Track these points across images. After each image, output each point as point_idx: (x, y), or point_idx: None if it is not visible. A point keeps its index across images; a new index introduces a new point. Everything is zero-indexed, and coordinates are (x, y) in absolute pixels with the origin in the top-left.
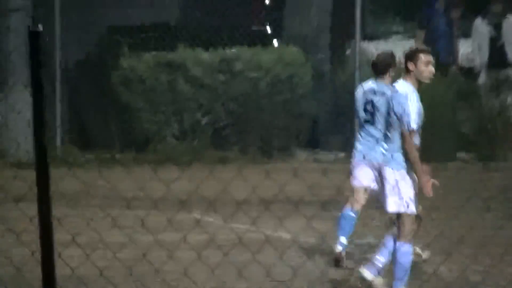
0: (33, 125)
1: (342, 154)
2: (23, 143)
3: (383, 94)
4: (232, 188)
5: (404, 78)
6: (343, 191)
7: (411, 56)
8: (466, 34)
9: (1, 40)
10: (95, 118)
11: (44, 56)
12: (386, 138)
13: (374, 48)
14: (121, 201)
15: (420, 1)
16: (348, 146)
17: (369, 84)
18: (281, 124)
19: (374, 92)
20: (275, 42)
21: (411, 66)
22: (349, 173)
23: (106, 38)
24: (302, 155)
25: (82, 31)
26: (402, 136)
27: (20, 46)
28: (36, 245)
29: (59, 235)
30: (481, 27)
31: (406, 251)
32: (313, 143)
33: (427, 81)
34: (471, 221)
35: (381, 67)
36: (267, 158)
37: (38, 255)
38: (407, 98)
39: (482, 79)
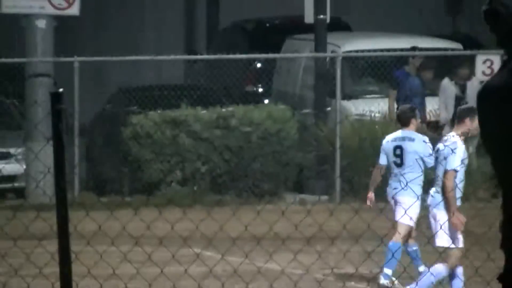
0: (54, 172)
1: (325, 197)
2: (46, 188)
3: (410, 139)
4: (228, 227)
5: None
6: (324, 229)
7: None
8: (434, 93)
9: (28, 96)
10: (109, 167)
11: (64, 113)
12: (434, 181)
13: (352, 106)
14: (131, 239)
15: (392, 65)
16: (330, 189)
17: (398, 132)
18: (271, 171)
19: (402, 138)
20: (265, 101)
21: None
22: (387, 211)
23: (118, 97)
24: (289, 197)
25: (97, 91)
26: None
27: (43, 103)
28: (56, 277)
29: (76, 268)
30: (448, 87)
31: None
32: (299, 187)
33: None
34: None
35: (403, 119)
36: (259, 201)
37: (57, 286)
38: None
39: (446, 132)
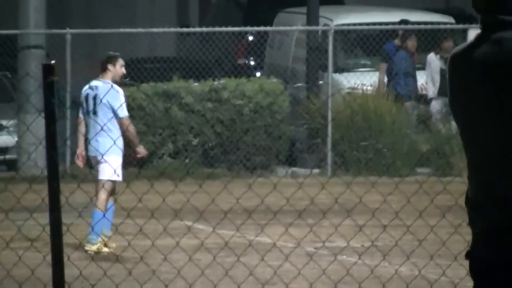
0: (46, 145)
1: (316, 170)
2: (37, 160)
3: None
4: (219, 200)
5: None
6: (316, 203)
7: None
8: (421, 67)
9: (21, 68)
10: None
11: (56, 85)
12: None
13: (344, 79)
14: (122, 211)
15: (384, 39)
16: (322, 163)
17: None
18: (263, 145)
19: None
20: (257, 74)
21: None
22: None
23: None
24: (281, 171)
25: (89, 63)
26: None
27: (36, 75)
28: (48, 250)
29: (68, 240)
30: (433, 61)
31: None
32: (290, 160)
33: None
34: (428, 227)
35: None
36: (250, 174)
37: (49, 258)
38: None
39: (435, 105)
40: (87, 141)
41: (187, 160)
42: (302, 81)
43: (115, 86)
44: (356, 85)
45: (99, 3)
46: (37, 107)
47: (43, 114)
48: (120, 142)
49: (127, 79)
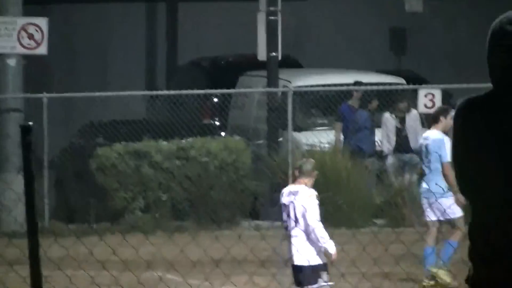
0: (25, 202)
1: (278, 223)
2: (18, 216)
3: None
4: (188, 251)
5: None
6: (278, 253)
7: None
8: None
9: (1, 130)
10: (76, 196)
11: (34, 145)
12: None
13: (303, 137)
14: (97, 263)
15: (339, 99)
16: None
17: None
18: (228, 199)
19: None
20: (222, 133)
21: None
22: None
23: (85, 131)
24: (245, 223)
25: (65, 125)
26: None
27: (15, 136)
28: None
29: None
30: (388, 120)
31: None
32: (254, 213)
33: None
34: (383, 274)
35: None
36: (217, 226)
37: None
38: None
39: (389, 161)
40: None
41: (157, 214)
42: (264, 139)
43: (445, 136)
44: (314, 143)
45: (74, 69)
46: (17, 166)
47: (22, 173)
48: (443, 184)
49: (101, 140)
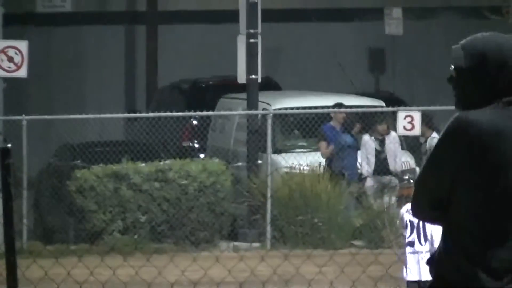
0: (3, 222)
1: (257, 244)
2: None
3: None
4: (166, 273)
5: None
6: (256, 274)
7: None
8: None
9: None
10: (55, 217)
11: (13, 166)
12: None
13: (282, 159)
14: (75, 284)
15: (319, 121)
16: (262, 237)
17: None
18: (206, 221)
19: None
20: (201, 155)
21: None
22: None
23: (63, 152)
24: (223, 245)
25: (44, 146)
26: None
27: None
28: None
29: None
30: (367, 142)
31: None
32: (233, 235)
33: None
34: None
35: None
36: (195, 248)
37: None
38: None
39: (369, 183)
40: None
41: (135, 236)
42: (243, 161)
43: None
44: (293, 165)
45: (53, 92)
46: None
47: (0, 194)
48: None
49: (79, 162)
